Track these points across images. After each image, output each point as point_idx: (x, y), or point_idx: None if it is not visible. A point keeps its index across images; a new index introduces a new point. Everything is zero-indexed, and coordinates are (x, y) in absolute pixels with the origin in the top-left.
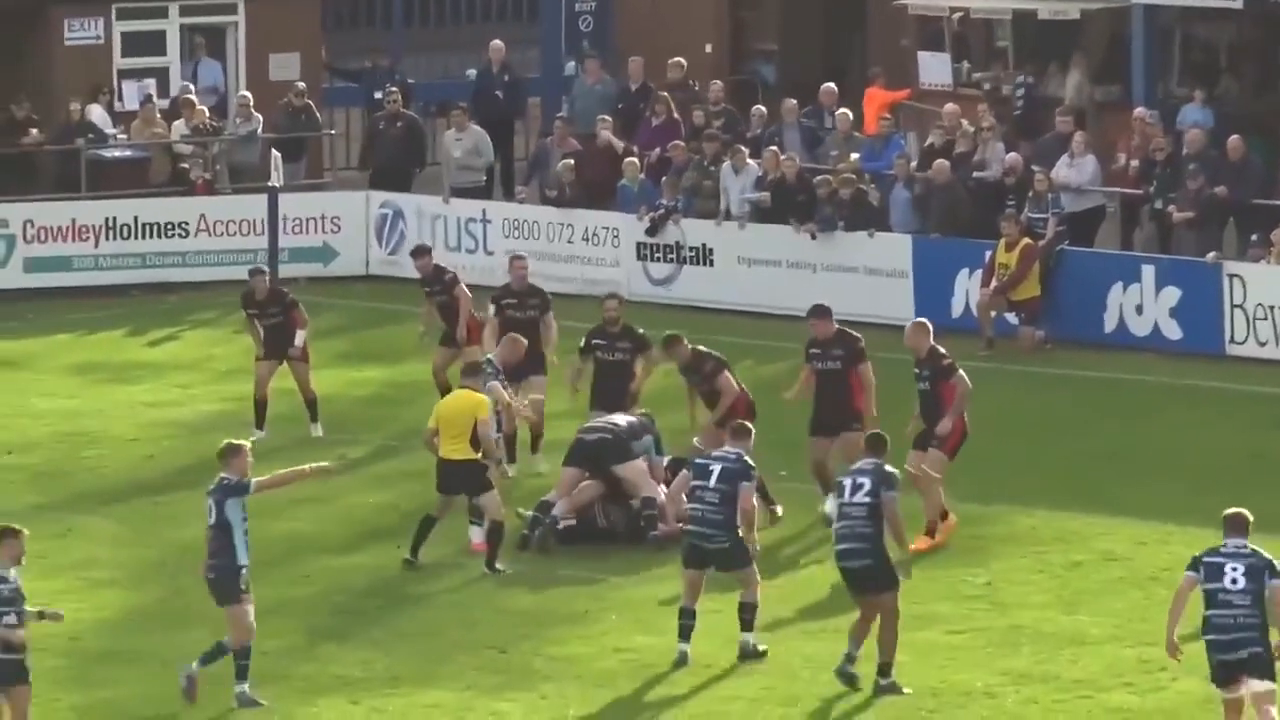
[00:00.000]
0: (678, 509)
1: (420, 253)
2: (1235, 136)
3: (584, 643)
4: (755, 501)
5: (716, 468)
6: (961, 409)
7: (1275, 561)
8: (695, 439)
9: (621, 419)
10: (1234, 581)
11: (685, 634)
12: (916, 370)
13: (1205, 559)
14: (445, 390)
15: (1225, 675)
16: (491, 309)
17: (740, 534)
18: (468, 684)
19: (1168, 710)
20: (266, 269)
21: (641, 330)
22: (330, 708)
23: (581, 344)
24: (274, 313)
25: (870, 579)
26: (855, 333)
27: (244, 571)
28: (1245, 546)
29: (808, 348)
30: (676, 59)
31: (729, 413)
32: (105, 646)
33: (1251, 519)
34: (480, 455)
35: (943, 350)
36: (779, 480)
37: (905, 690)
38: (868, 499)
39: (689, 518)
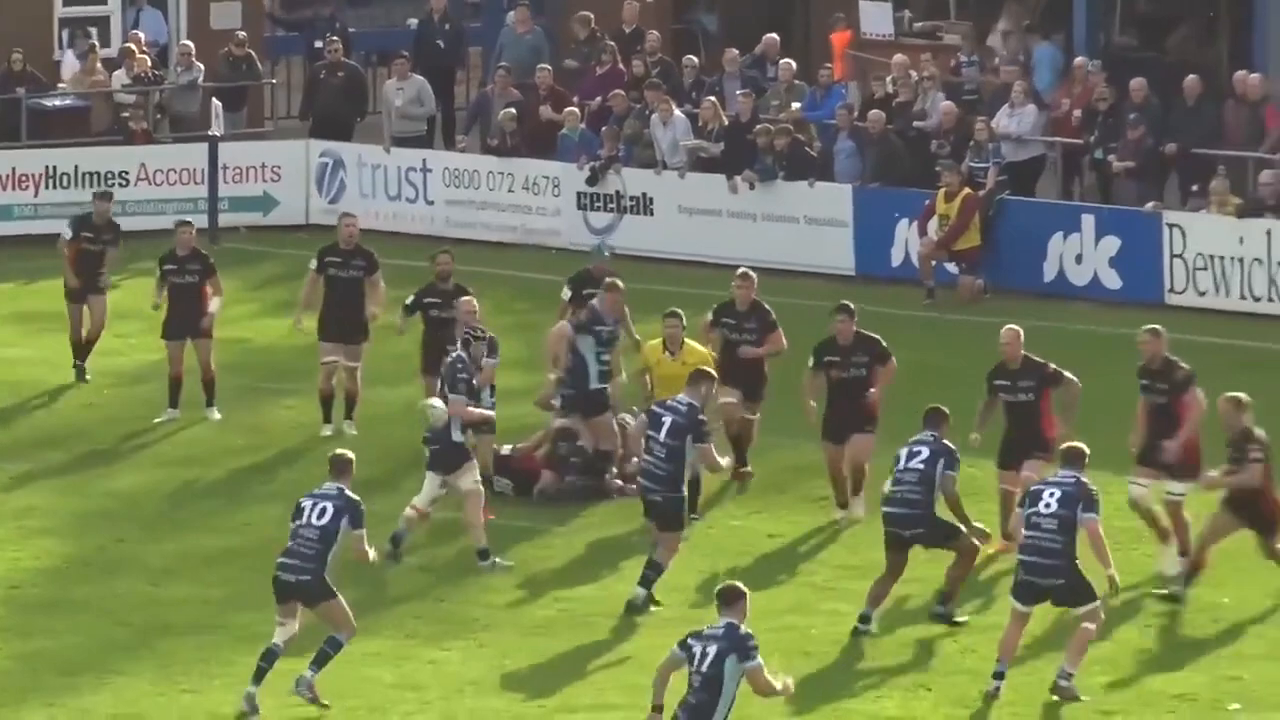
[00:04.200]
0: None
1: (103, 197)
2: (1192, 76)
3: (524, 591)
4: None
5: (667, 420)
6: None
7: (1096, 496)
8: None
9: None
10: (1046, 506)
11: (646, 581)
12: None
13: (1034, 487)
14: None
15: (1025, 596)
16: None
17: (683, 493)
18: (408, 632)
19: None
20: (192, 219)
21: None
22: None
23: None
24: (194, 269)
25: (921, 541)
26: (874, 335)
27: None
28: (1071, 477)
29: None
30: (583, 13)
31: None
32: (45, 596)
33: (1088, 454)
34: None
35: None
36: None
37: (960, 620)
38: (920, 466)
39: (640, 468)
